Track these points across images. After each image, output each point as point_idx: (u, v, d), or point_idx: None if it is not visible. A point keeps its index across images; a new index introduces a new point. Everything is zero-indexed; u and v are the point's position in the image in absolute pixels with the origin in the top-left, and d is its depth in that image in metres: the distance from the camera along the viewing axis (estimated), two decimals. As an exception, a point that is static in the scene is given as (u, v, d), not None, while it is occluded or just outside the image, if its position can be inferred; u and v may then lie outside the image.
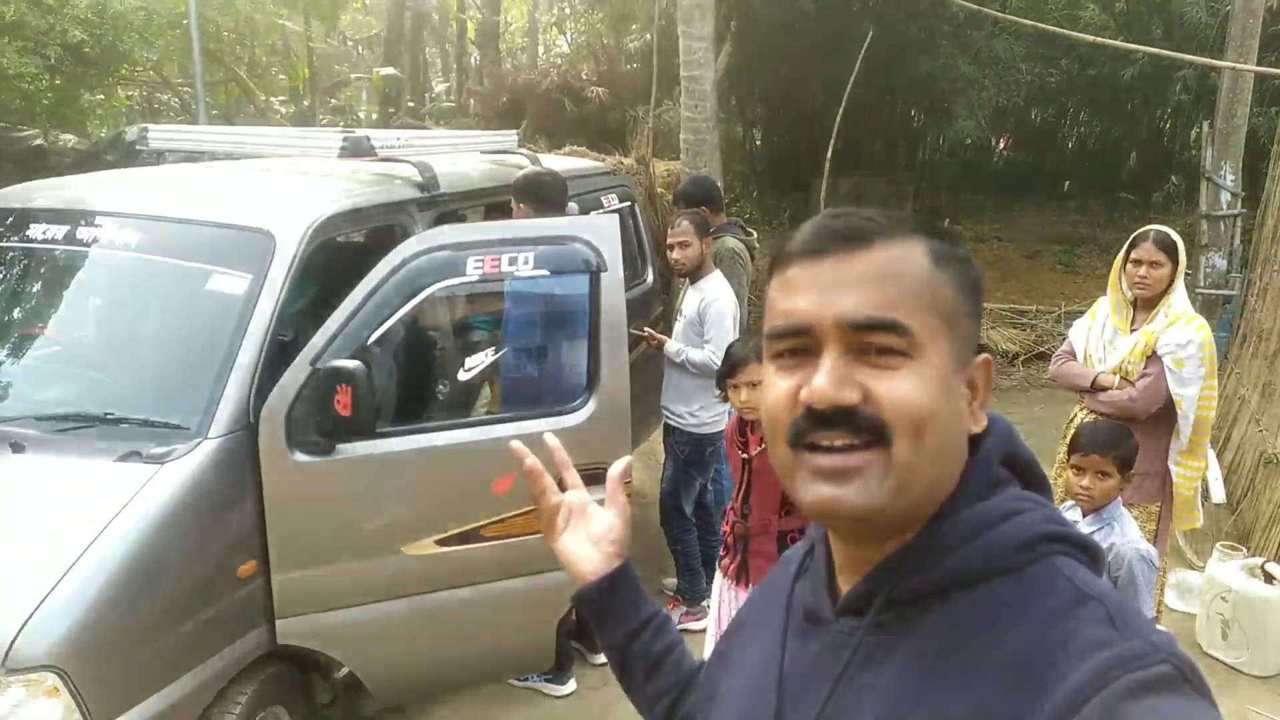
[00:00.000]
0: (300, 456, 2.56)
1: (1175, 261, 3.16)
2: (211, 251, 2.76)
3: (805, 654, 0.83)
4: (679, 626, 4.03)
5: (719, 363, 3.74)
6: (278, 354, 2.64)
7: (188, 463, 2.39)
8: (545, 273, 2.91)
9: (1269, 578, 3.74)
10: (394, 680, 2.91)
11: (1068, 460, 2.71)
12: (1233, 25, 7.22)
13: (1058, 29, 8.32)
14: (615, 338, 2.97)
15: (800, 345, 0.76)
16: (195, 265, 2.75)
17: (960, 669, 0.71)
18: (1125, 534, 2.57)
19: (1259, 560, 3.84)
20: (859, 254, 0.75)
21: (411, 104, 13.53)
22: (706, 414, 3.89)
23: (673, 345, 3.94)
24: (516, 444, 1.12)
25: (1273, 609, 3.65)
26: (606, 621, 1.10)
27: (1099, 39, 7.88)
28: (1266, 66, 7.57)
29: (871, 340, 0.73)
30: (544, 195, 3.54)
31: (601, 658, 3.69)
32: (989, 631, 0.71)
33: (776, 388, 0.77)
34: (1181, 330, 3.12)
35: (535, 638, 3.03)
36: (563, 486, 1.14)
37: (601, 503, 1.13)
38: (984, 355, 0.80)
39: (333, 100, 16.51)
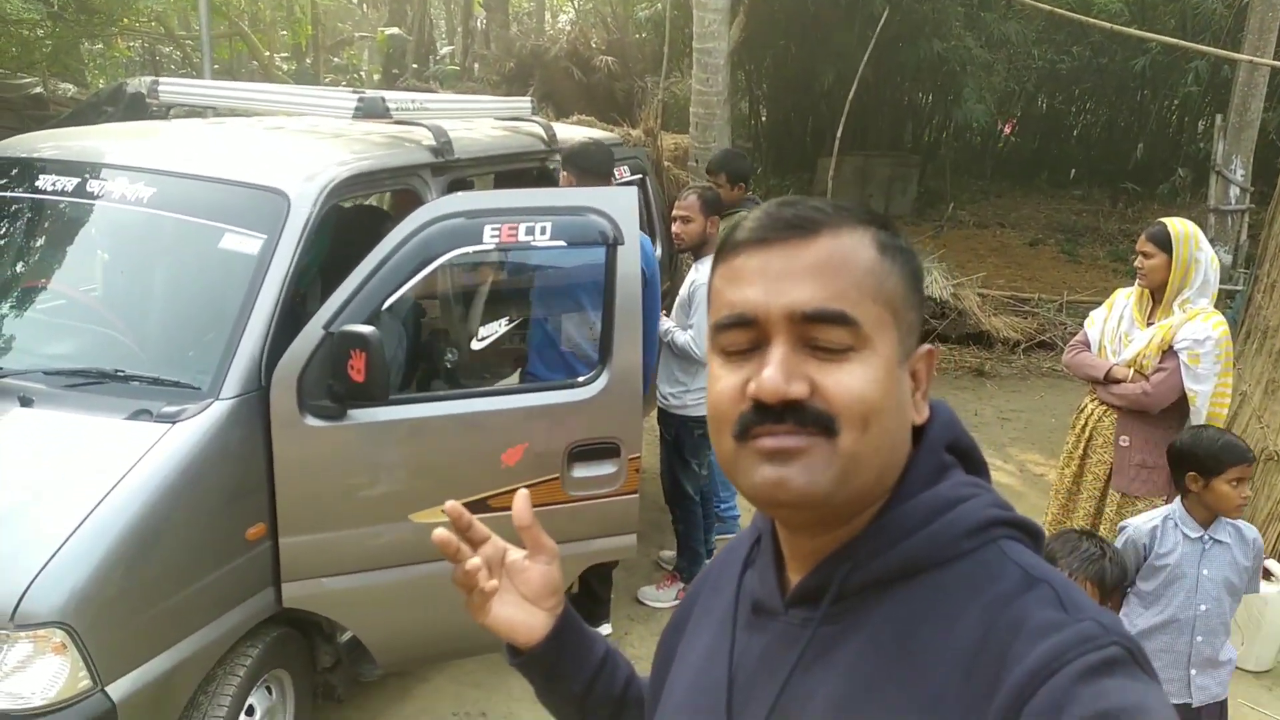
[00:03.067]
0: (311, 420, 2.53)
1: (1167, 252, 3.14)
2: (225, 210, 2.71)
3: (755, 646, 0.82)
4: (675, 603, 4.07)
5: (698, 350, 3.72)
6: (290, 316, 2.60)
7: (199, 423, 2.36)
8: (562, 243, 2.87)
9: (1267, 574, 3.76)
10: (397, 647, 2.91)
11: (1210, 477, 2.48)
12: (1251, 17, 7.17)
13: (1074, 14, 8.25)
14: (630, 311, 2.94)
15: (747, 337, 0.75)
16: (208, 223, 2.70)
17: (914, 656, 0.71)
18: (1250, 526, 2.62)
19: (1258, 556, 3.86)
20: (807, 243, 0.74)
21: (415, 66, 13.36)
22: (690, 396, 3.84)
23: (664, 323, 3.86)
24: (439, 532, 0.92)
25: (1270, 605, 3.68)
26: (561, 678, 0.98)
27: (1115, 26, 7.82)
28: (1282, 61, 7.51)
29: (819, 333, 0.73)
30: (590, 164, 3.51)
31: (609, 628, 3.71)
32: (941, 618, 0.72)
33: (723, 381, 0.76)
34: (1199, 326, 3.11)
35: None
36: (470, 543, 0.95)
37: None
38: (926, 346, 0.80)
39: (335, 59, 16.30)
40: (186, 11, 11.43)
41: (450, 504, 0.93)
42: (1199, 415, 3.13)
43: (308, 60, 15.03)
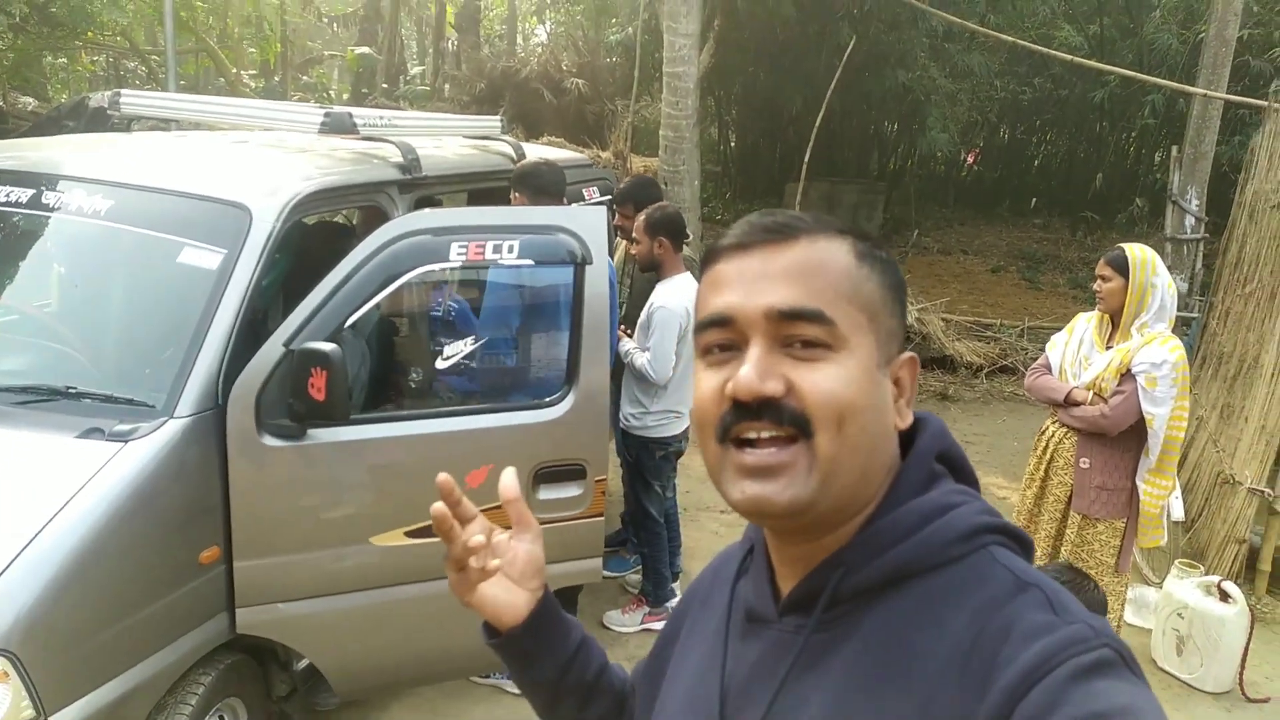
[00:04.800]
0: (269, 440, 2.48)
1: (1124, 276, 3.20)
2: (185, 224, 2.66)
3: (748, 655, 0.83)
4: (641, 627, 4.04)
5: (654, 373, 3.70)
6: (250, 333, 2.55)
7: (152, 442, 2.29)
8: (529, 262, 2.85)
9: (1224, 596, 3.81)
10: (356, 674, 2.84)
11: None
12: (1205, 53, 7.37)
13: (1036, 46, 8.44)
14: (597, 332, 2.92)
15: (727, 339, 0.77)
16: (167, 237, 2.64)
17: (906, 661, 0.72)
18: None
19: (1215, 578, 3.91)
20: (785, 247, 0.77)
21: (385, 85, 13.32)
22: (650, 418, 3.79)
23: (625, 344, 3.82)
24: (443, 476, 0.91)
25: (1227, 626, 3.72)
26: (536, 661, 0.98)
27: (1076, 58, 8.01)
28: (1234, 95, 7.72)
29: (795, 332, 0.74)
30: (542, 185, 3.49)
31: None
32: (933, 623, 0.72)
33: (705, 383, 0.78)
34: (1156, 350, 3.15)
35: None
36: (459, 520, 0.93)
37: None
38: (908, 353, 0.81)
39: (304, 77, 16.20)
40: (153, 26, 11.31)
41: (442, 476, 0.90)
42: (1157, 438, 3.18)
43: (276, 78, 14.93)
